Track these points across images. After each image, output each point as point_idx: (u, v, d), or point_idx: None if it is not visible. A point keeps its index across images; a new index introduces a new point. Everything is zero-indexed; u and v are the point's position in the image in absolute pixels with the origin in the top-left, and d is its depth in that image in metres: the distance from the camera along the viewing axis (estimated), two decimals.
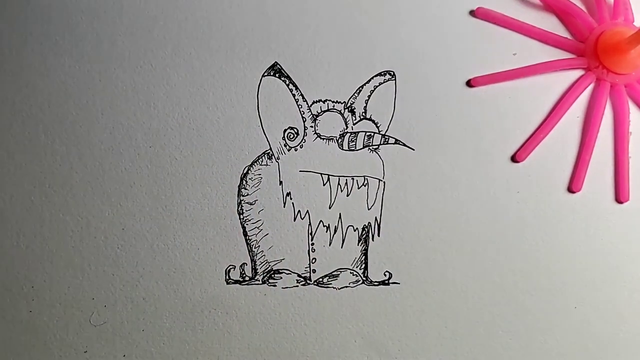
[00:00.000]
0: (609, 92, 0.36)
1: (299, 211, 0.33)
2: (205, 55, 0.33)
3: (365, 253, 0.33)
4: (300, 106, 0.34)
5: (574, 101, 0.35)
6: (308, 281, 0.33)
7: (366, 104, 0.34)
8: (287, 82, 0.34)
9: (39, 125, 0.32)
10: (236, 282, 0.32)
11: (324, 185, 0.33)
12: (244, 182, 0.33)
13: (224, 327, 0.32)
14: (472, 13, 0.36)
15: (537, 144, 0.35)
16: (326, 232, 0.33)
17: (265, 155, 0.33)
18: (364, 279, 0.33)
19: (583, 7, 0.36)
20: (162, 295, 0.32)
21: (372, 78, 0.34)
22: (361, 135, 0.34)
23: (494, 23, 0.36)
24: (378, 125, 0.34)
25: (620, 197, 0.35)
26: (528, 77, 0.35)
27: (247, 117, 0.33)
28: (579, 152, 0.35)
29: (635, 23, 0.37)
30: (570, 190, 0.35)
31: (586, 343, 0.35)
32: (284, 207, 0.33)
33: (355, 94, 0.34)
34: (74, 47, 0.33)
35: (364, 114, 0.34)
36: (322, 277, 0.33)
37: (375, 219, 0.33)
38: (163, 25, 0.33)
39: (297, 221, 0.33)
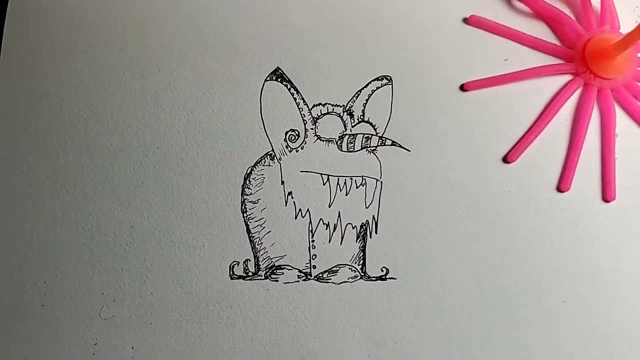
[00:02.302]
0: (596, 96, 0.36)
1: (300, 210, 0.33)
2: (211, 60, 0.34)
3: (363, 250, 0.34)
4: (301, 109, 0.34)
5: (562, 104, 0.36)
6: (308, 276, 0.33)
7: (364, 107, 0.34)
8: (289, 87, 0.34)
9: (52, 128, 0.33)
10: (240, 277, 0.33)
11: (323, 184, 0.34)
12: (248, 182, 0.33)
13: (228, 320, 0.32)
14: (466, 21, 0.36)
15: (528, 146, 0.35)
16: (326, 229, 0.33)
17: (268, 157, 0.33)
18: (362, 274, 0.33)
19: (571, 15, 0.37)
20: (168, 290, 0.32)
21: (370, 82, 0.34)
22: (359, 137, 0.34)
23: (487, 30, 0.36)
24: (375, 127, 0.34)
25: (606, 196, 0.35)
26: (519, 81, 0.36)
27: (251, 119, 0.33)
28: (567, 153, 0.36)
29: (621, 30, 0.37)
30: (559, 189, 0.35)
31: (575, 335, 0.35)
32: (286, 205, 0.33)
33: (354, 98, 0.34)
34: (85, 53, 0.33)
35: (362, 117, 0.34)
36: (322, 273, 0.33)
37: (373, 217, 0.34)
38: (170, 32, 0.34)
39: (298, 219, 0.33)
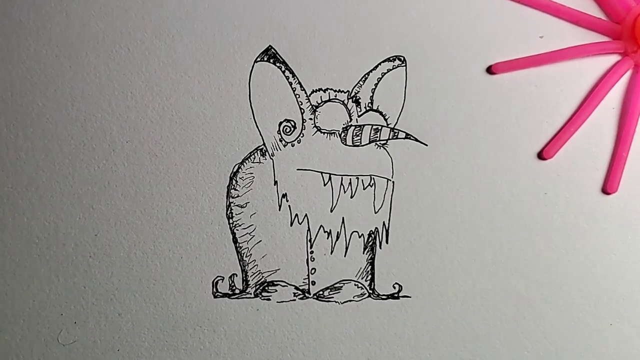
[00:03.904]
0: None
1: (297, 215, 0.33)
2: (190, 38, 0.33)
3: (371, 262, 0.33)
4: (297, 96, 0.33)
5: (609, 90, 0.34)
6: (306, 294, 0.33)
7: (373, 93, 0.33)
8: (283, 69, 0.33)
9: (1, 118, 0.32)
10: (225, 295, 0.32)
11: (324, 185, 0.33)
12: (234, 182, 0.32)
13: (210, 346, 0.32)
14: None
15: (568, 139, 0.34)
16: (327, 238, 0.33)
17: (258, 152, 0.33)
18: (371, 291, 0.33)
19: None
20: (140, 311, 0.32)
21: (380, 64, 0.33)
22: (367, 128, 0.33)
23: (518, 2, 0.35)
24: (386, 117, 0.33)
25: None
26: (557, 62, 0.34)
27: (238, 108, 0.33)
28: (614, 149, 0.34)
29: None
30: (605, 191, 0.34)
31: None
32: (280, 210, 0.33)
33: (361, 82, 0.33)
34: (40, 28, 0.32)
35: (370, 105, 0.33)
36: (323, 290, 0.33)
37: (383, 223, 0.33)
38: (142, 4, 0.33)
39: (294, 226, 0.33)
